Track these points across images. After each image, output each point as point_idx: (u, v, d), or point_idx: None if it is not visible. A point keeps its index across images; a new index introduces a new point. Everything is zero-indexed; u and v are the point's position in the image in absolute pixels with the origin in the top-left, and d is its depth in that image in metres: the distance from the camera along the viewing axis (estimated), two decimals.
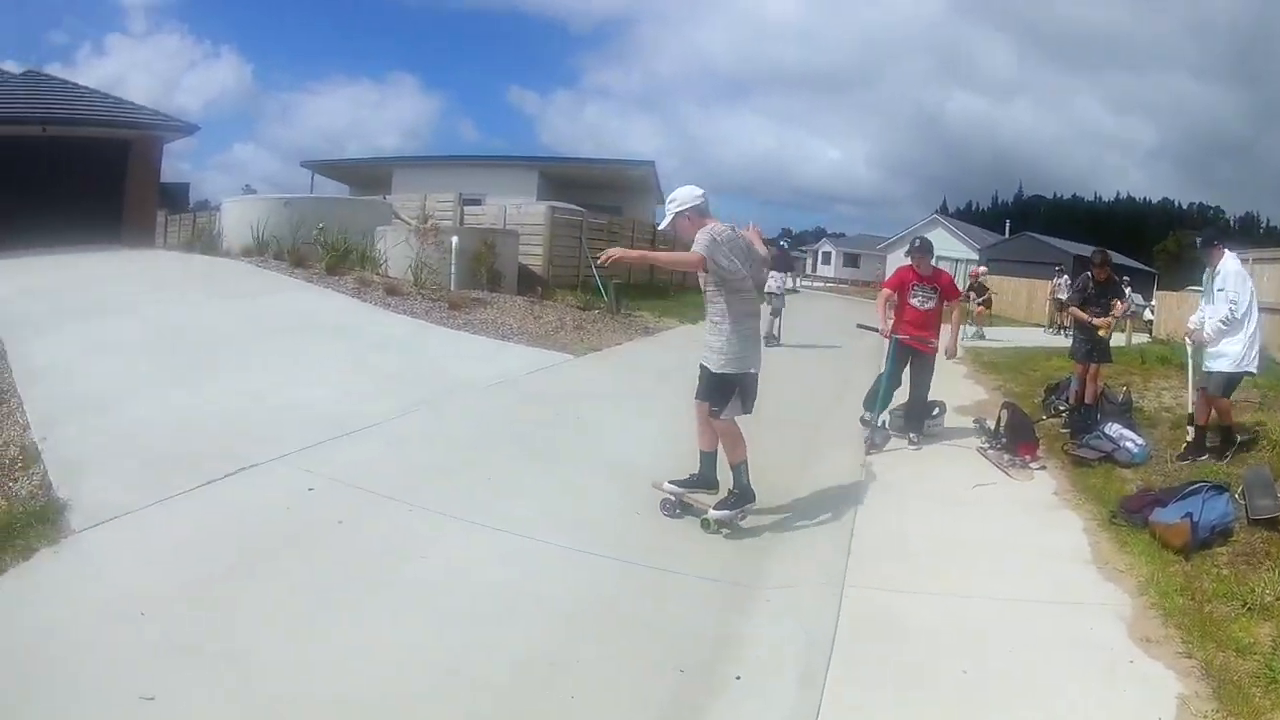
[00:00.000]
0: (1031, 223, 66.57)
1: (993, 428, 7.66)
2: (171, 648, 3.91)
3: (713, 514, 5.21)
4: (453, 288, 13.42)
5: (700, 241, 4.94)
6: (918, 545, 5.33)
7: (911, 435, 7.76)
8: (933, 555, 5.14)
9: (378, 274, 13.86)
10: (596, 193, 28.36)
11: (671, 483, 5.48)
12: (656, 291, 19.59)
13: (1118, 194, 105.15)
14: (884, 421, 7.84)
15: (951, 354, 8.01)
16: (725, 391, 5.15)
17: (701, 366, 5.25)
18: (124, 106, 20.08)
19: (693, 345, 11.30)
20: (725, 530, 5.33)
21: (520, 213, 19.20)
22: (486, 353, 10.06)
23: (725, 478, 5.59)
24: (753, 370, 5.18)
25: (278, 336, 9.80)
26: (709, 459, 5.42)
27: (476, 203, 21.39)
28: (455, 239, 14.47)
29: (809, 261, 66.22)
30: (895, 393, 7.92)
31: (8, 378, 7.62)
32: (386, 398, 7.16)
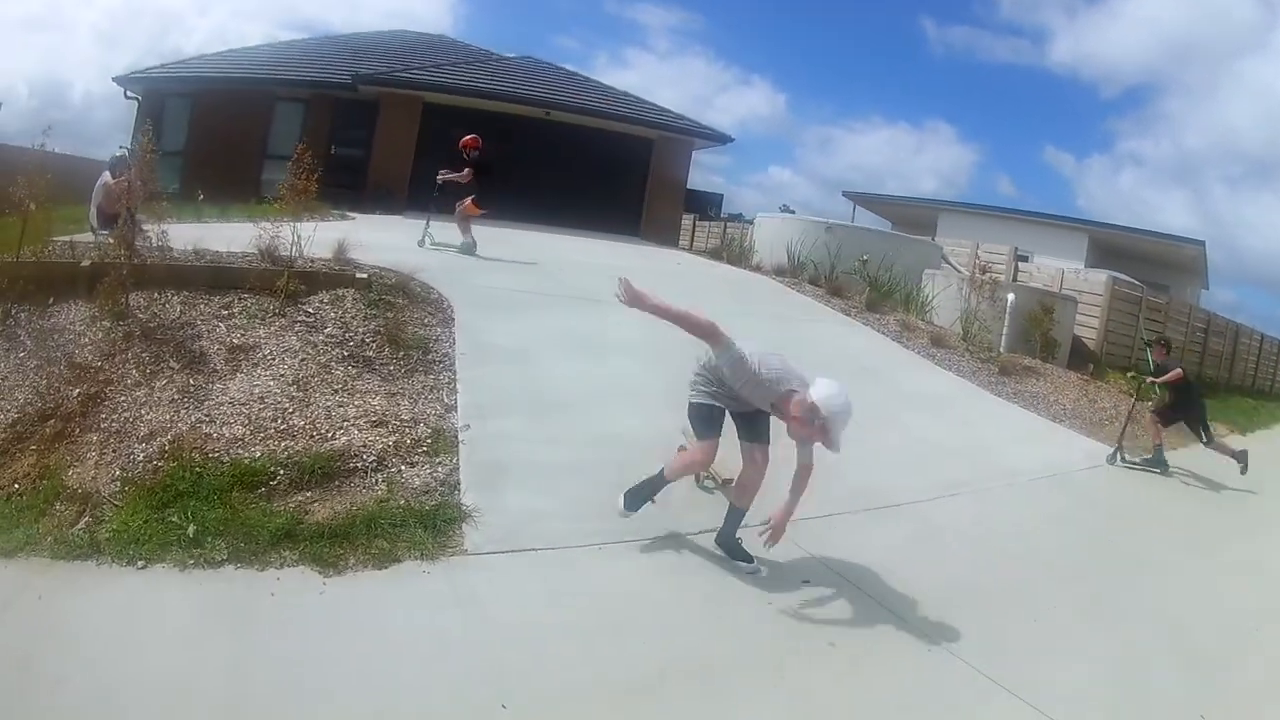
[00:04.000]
0: None
1: None
2: None
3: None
4: (1002, 349, 13.49)
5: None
6: None
7: None
8: None
9: (922, 319, 14.40)
10: (1142, 266, 28.43)
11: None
12: (1203, 389, 17.58)
13: None
14: None
15: None
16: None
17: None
18: (646, 106, 22.26)
19: (1259, 463, 10.31)
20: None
21: (1078, 278, 19.25)
22: (1035, 433, 9.75)
23: None
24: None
25: (804, 370, 9.19)
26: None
27: (1023, 259, 22.28)
28: (1011, 296, 14.68)
29: None
30: None
31: (447, 349, 7.48)
32: (920, 470, 6.73)
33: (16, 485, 5.04)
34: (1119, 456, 9.41)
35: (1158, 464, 9.73)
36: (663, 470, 5.24)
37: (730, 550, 5.16)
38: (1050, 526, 6.87)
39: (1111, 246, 30.50)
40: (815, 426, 4.59)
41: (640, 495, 5.22)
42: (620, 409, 7.14)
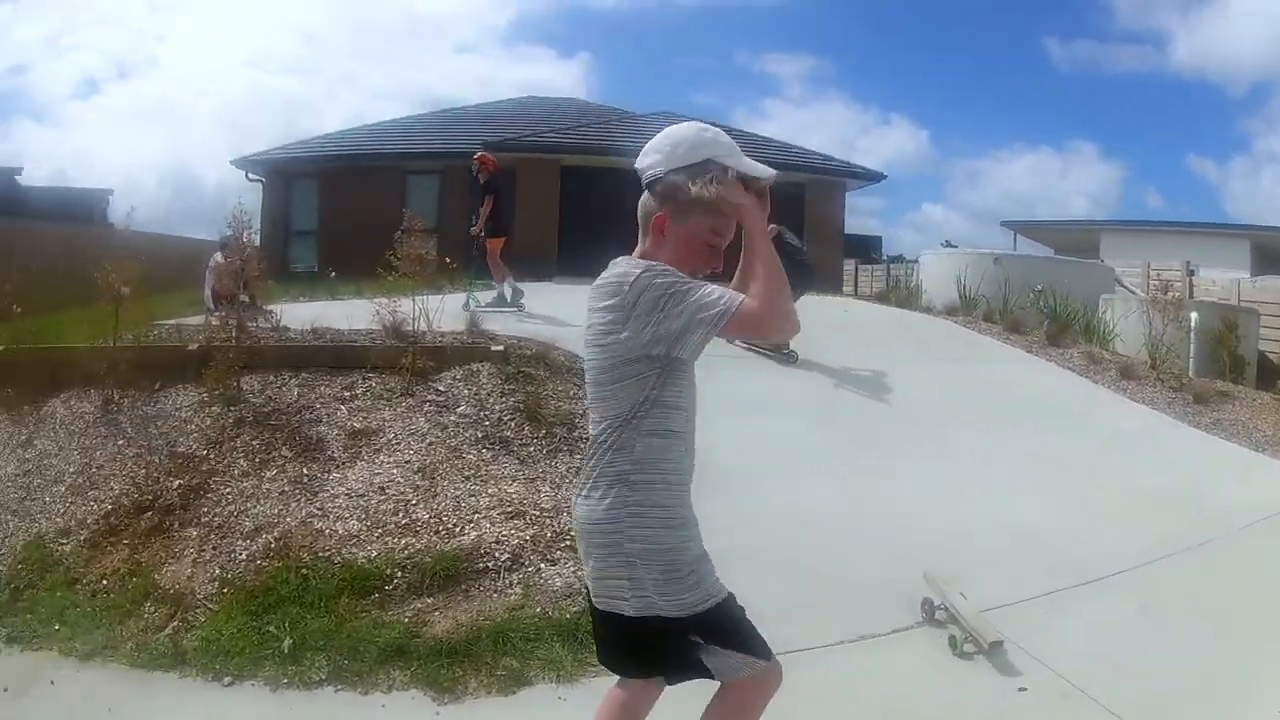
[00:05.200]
0: None
1: None
2: None
3: None
4: (1191, 373, 12.81)
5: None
6: None
7: None
8: None
9: (1106, 349, 13.96)
10: None
11: None
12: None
13: None
14: None
15: None
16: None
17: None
18: (793, 150, 22.90)
19: None
20: None
21: (1254, 288, 19.13)
22: (1242, 468, 8.75)
23: None
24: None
25: (989, 417, 9.33)
26: None
27: (1190, 273, 22.24)
28: (1194, 315, 13.95)
29: None
30: None
31: None
32: (1127, 526, 6.22)
33: (104, 582, 4.98)
34: None
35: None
36: None
37: None
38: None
39: (1276, 250, 29.62)
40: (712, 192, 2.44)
41: None
42: (796, 479, 6.65)
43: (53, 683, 4.11)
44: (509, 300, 11.35)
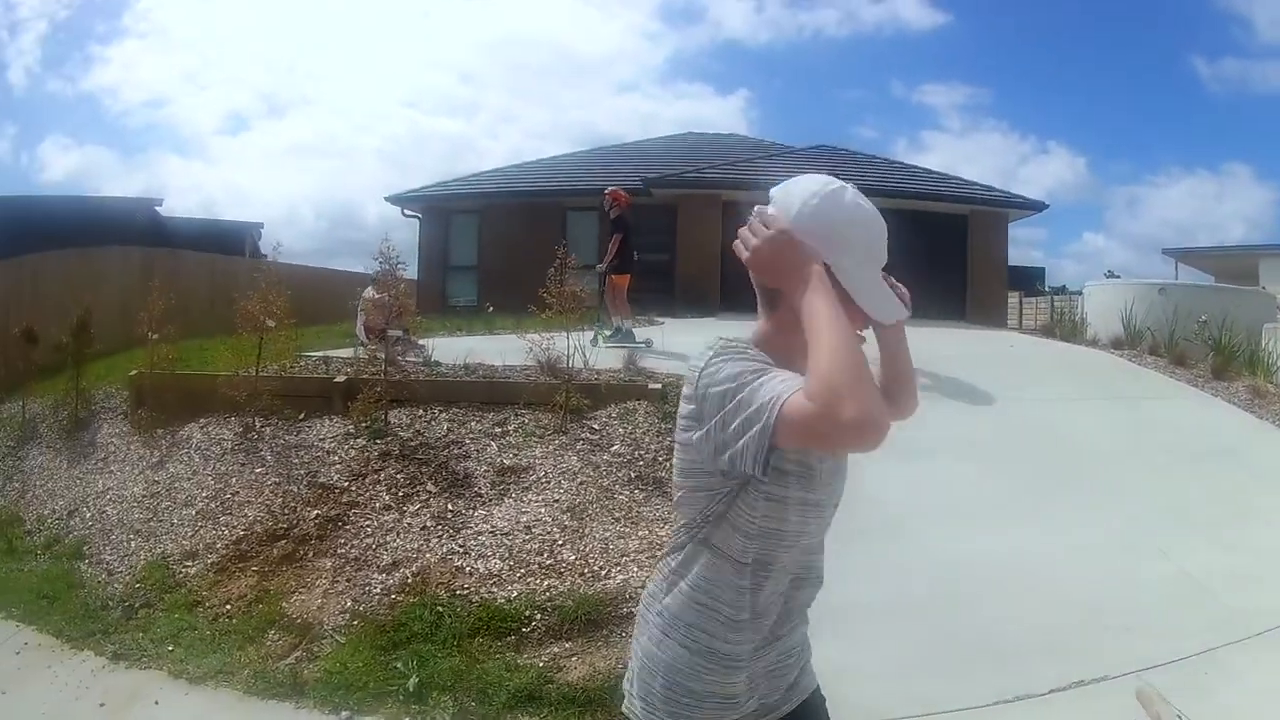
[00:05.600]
0: None
1: None
2: None
3: None
4: None
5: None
6: None
7: None
8: None
9: (1271, 382, 12.84)
10: None
11: None
12: None
13: None
14: None
15: None
16: None
17: None
18: (953, 180, 22.63)
19: None
20: None
21: None
22: None
23: None
24: None
25: (1152, 456, 8.83)
26: None
27: None
28: None
29: None
30: None
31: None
32: None
33: (227, 607, 4.98)
34: None
35: None
36: None
37: None
38: None
39: None
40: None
41: None
42: (957, 528, 6.27)
43: (157, 703, 4.08)
44: (631, 339, 11.02)
